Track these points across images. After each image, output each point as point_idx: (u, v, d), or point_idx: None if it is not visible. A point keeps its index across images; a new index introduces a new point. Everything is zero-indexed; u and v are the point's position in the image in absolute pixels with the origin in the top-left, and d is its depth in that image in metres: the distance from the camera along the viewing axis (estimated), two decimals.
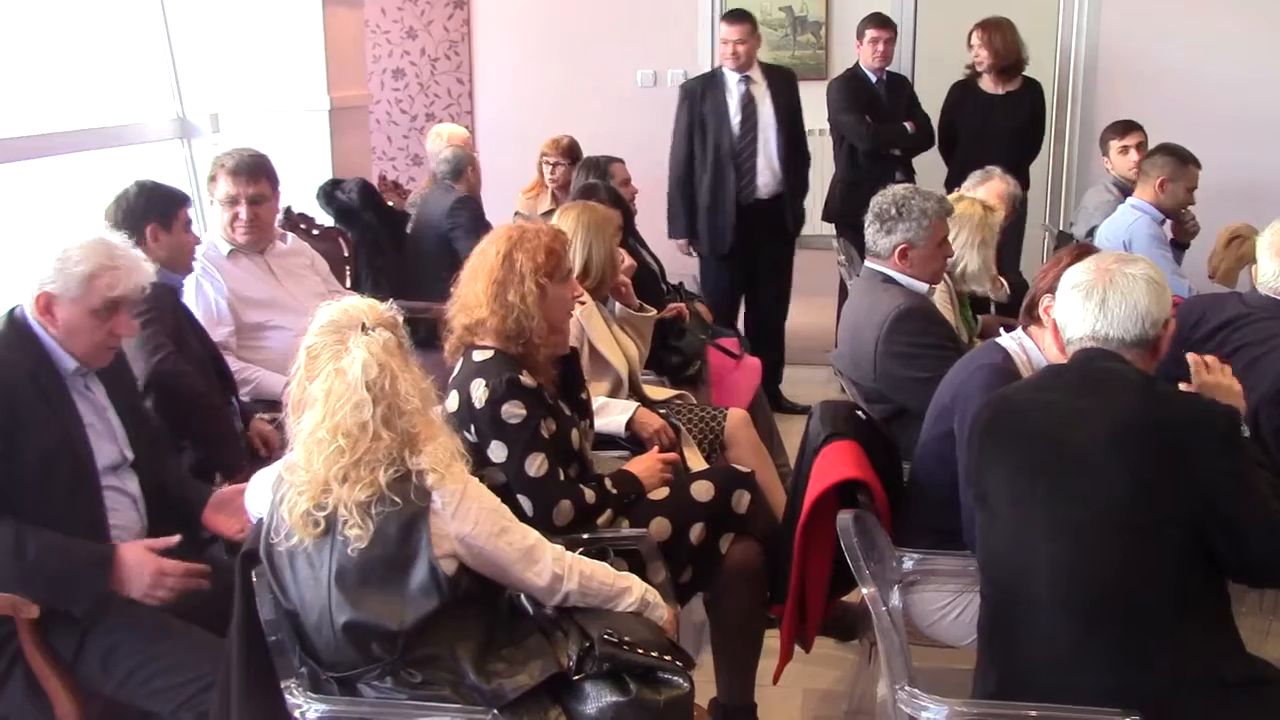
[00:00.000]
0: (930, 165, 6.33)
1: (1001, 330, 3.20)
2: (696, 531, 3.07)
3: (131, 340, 3.13)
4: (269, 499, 2.37)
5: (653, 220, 5.63)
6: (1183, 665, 2.25)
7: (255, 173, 3.94)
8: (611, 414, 3.55)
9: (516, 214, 5.92)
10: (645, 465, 3.20)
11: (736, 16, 5.78)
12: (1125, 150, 5.43)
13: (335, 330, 2.32)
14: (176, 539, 2.73)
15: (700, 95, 5.77)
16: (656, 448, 3.38)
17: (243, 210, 3.92)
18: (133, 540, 2.74)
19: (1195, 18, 6.30)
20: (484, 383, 2.90)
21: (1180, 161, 4.89)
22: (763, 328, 6.06)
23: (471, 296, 2.98)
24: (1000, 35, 6.02)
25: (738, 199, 5.71)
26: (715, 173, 5.71)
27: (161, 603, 2.65)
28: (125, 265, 2.74)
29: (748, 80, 5.77)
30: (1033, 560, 2.36)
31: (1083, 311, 2.44)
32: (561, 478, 2.95)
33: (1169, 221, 4.97)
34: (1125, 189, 5.24)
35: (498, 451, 2.89)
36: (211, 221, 4.10)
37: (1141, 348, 2.43)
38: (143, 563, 2.64)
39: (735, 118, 5.74)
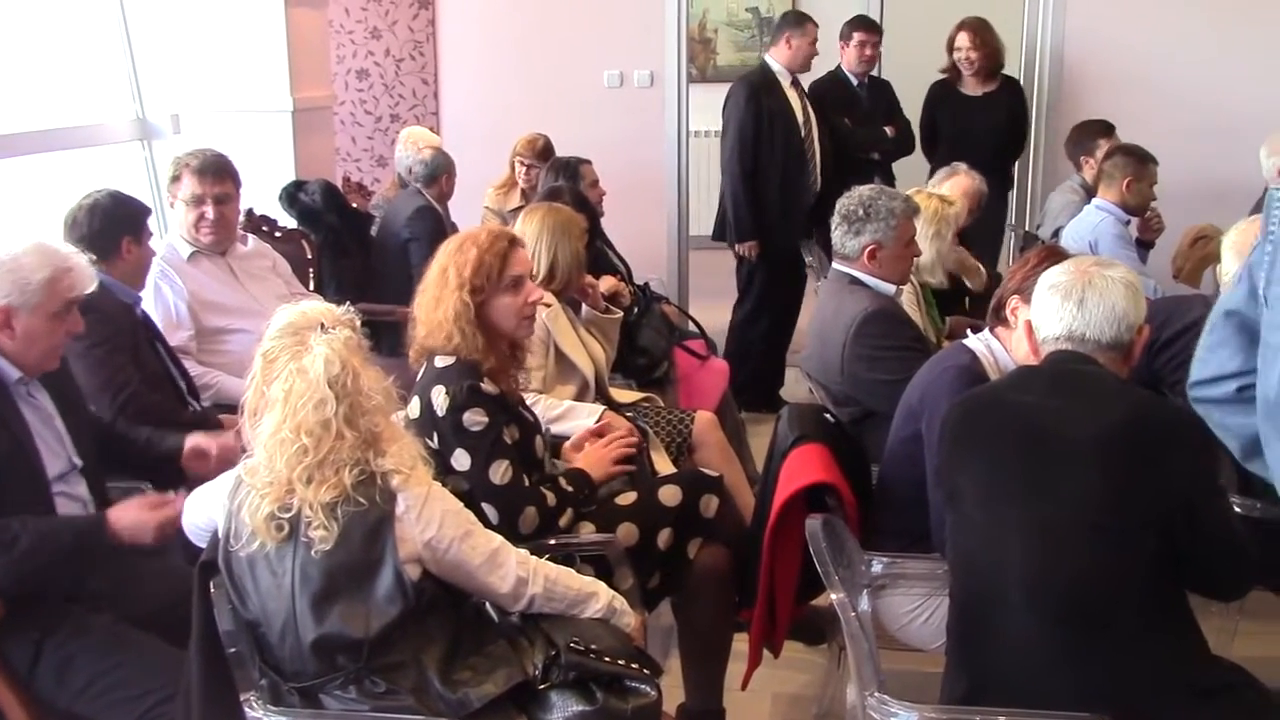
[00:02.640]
0: (910, 169, 6.33)
1: (969, 331, 3.20)
2: (664, 537, 3.04)
3: (93, 381, 3.18)
4: (225, 506, 2.33)
5: (622, 220, 5.60)
6: (1153, 669, 2.25)
7: (220, 172, 3.91)
8: (578, 418, 3.52)
9: (486, 209, 5.89)
10: (594, 459, 3.17)
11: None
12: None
13: (293, 332, 2.29)
14: (174, 497, 2.71)
15: (766, 91, 5.71)
16: (605, 439, 3.30)
17: (209, 210, 3.88)
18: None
19: (1159, 20, 6.33)
20: (444, 390, 2.87)
21: (1140, 161, 4.93)
22: (782, 327, 6.08)
23: (418, 309, 2.96)
24: (990, 35, 6.05)
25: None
26: (786, 170, 5.68)
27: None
28: (76, 265, 2.75)
29: (797, 83, 5.81)
30: (1004, 561, 2.35)
31: (1060, 311, 2.45)
32: (526, 484, 2.92)
33: (1134, 221, 5.00)
34: (1091, 190, 5.25)
35: (461, 459, 2.86)
36: (171, 224, 4.04)
37: (1116, 351, 2.44)
38: (142, 523, 2.66)
39: (799, 116, 5.74)
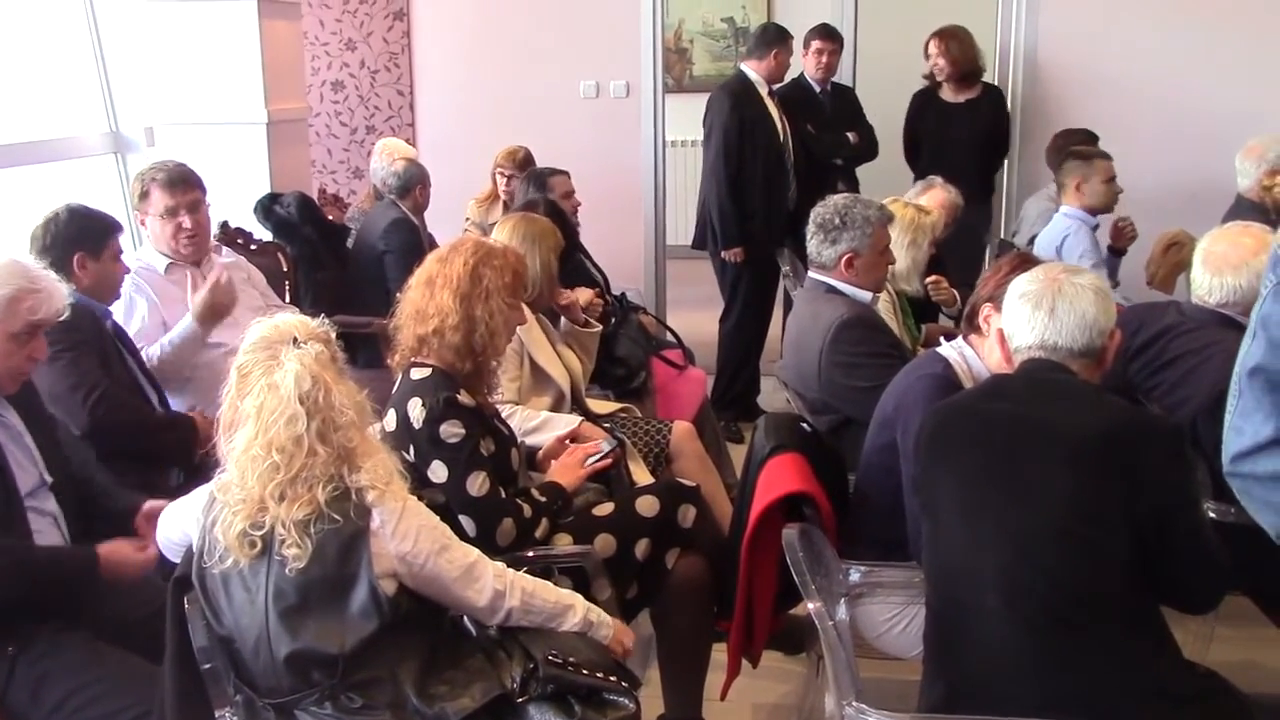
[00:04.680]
0: (880, 177, 6.34)
1: (942, 339, 3.21)
2: (642, 547, 3.04)
3: (61, 384, 3.15)
4: (199, 522, 2.32)
5: (600, 231, 5.60)
6: (1129, 676, 2.25)
7: (188, 181, 3.90)
8: (555, 429, 3.51)
9: (467, 220, 5.88)
10: (563, 469, 3.18)
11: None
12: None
13: (266, 346, 2.28)
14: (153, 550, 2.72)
15: (746, 99, 5.77)
16: (573, 448, 3.31)
17: (185, 220, 3.87)
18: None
19: (1132, 27, 6.36)
20: (420, 402, 2.87)
21: (1085, 160, 4.96)
22: (759, 335, 6.11)
23: (433, 307, 2.94)
24: (957, 43, 6.07)
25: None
26: (768, 176, 5.72)
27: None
28: (45, 288, 2.70)
29: (772, 92, 5.86)
30: (980, 569, 2.36)
31: (1032, 320, 2.46)
32: (503, 496, 2.92)
33: (1108, 226, 5.02)
34: None
35: (438, 471, 2.86)
36: (144, 239, 4.02)
37: (1088, 357, 2.46)
38: (132, 563, 2.70)
39: (777, 124, 5.79)
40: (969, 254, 5.63)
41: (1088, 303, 2.44)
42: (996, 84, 6.57)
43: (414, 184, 5.37)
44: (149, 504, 2.89)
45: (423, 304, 2.96)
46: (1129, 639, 2.28)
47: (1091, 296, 2.45)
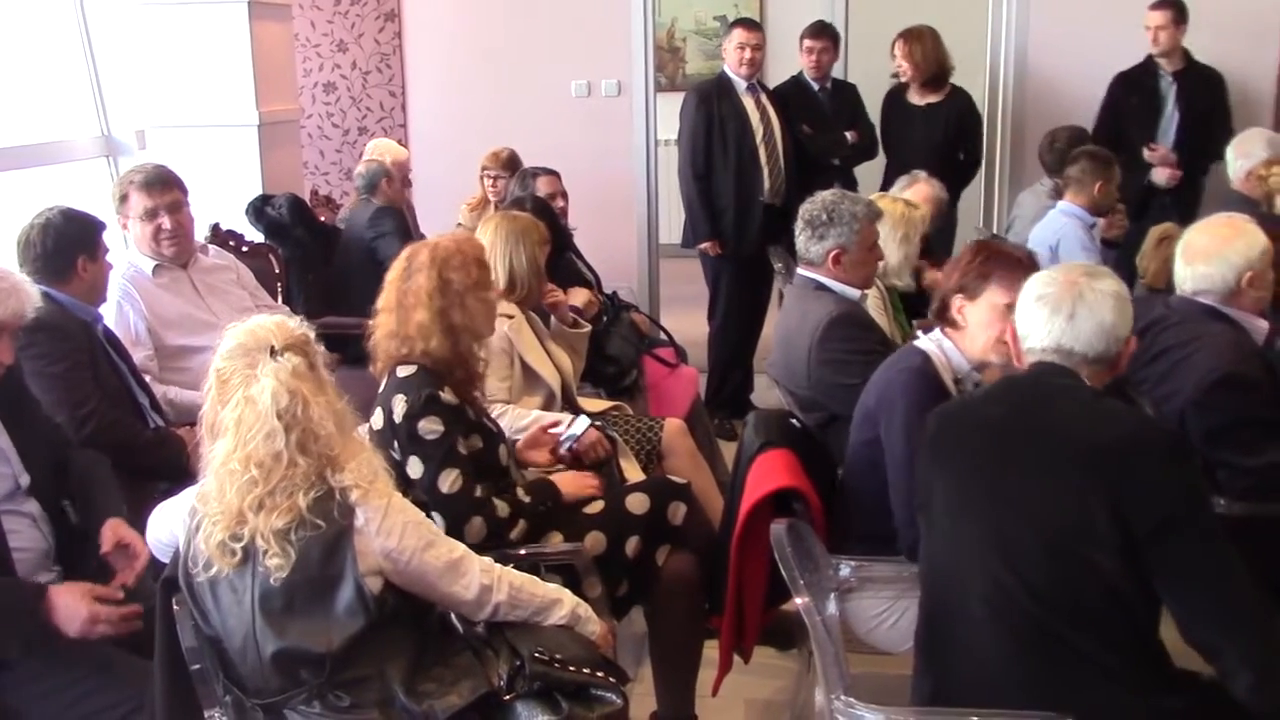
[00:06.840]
0: (871, 176, 6.33)
1: (920, 333, 3.19)
2: (632, 545, 3.05)
3: (50, 399, 3.10)
4: (184, 526, 2.32)
5: (592, 230, 5.60)
6: (1113, 688, 2.23)
7: (166, 182, 3.90)
8: None
9: (459, 225, 5.88)
10: (570, 480, 3.19)
11: (750, 24, 5.96)
12: None
13: (244, 354, 2.27)
14: (119, 593, 2.62)
15: (715, 97, 5.78)
16: (588, 475, 3.31)
17: (165, 221, 3.86)
18: (43, 567, 2.67)
19: (1120, 25, 6.35)
20: (404, 398, 2.88)
21: (1107, 163, 4.96)
22: (748, 333, 6.10)
23: (413, 328, 2.93)
24: (920, 46, 5.98)
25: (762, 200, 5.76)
26: (739, 173, 5.72)
27: (99, 637, 2.56)
28: (2, 289, 2.65)
29: (754, 88, 5.84)
30: (967, 575, 2.34)
31: (1049, 324, 2.38)
32: (477, 494, 2.91)
33: (1100, 222, 5.02)
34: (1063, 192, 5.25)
35: (414, 467, 2.87)
36: (129, 242, 4.01)
37: (1101, 364, 2.39)
38: (76, 608, 2.54)
39: (755, 119, 5.77)
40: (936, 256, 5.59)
41: (1108, 309, 2.37)
42: (986, 83, 6.56)
43: (377, 179, 5.36)
44: (114, 531, 2.77)
45: (398, 328, 2.96)
46: (1115, 654, 2.24)
47: (1112, 303, 2.38)
